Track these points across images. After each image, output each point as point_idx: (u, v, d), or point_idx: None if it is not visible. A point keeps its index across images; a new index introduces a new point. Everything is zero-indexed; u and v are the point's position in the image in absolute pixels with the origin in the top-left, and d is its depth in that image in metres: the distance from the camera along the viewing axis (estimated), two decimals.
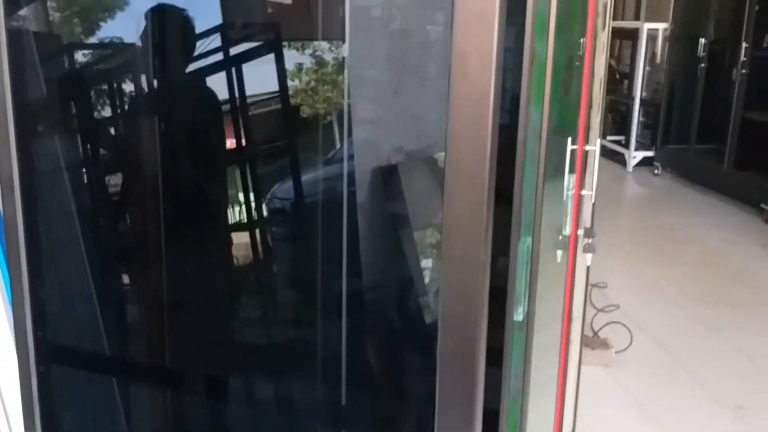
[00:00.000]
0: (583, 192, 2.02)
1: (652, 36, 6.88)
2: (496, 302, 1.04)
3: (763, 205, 5.29)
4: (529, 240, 1.32)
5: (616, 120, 7.60)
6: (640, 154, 6.95)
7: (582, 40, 1.67)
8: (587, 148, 1.95)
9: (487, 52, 0.86)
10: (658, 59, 6.91)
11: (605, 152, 7.52)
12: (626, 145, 7.07)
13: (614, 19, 7.26)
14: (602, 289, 4.19)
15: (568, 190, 1.80)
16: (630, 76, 7.12)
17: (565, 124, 1.64)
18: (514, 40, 1.13)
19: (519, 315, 1.20)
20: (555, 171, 1.59)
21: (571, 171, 1.86)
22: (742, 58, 5.52)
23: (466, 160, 0.88)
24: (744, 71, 5.54)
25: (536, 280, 1.28)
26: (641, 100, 7.02)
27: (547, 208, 1.39)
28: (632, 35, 7.01)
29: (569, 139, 1.87)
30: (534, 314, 1.31)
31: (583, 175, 1.99)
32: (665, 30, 6.74)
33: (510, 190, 1.17)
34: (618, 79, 7.57)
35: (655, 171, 6.78)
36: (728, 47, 5.79)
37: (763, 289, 4.19)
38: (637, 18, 7.63)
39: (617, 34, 7.38)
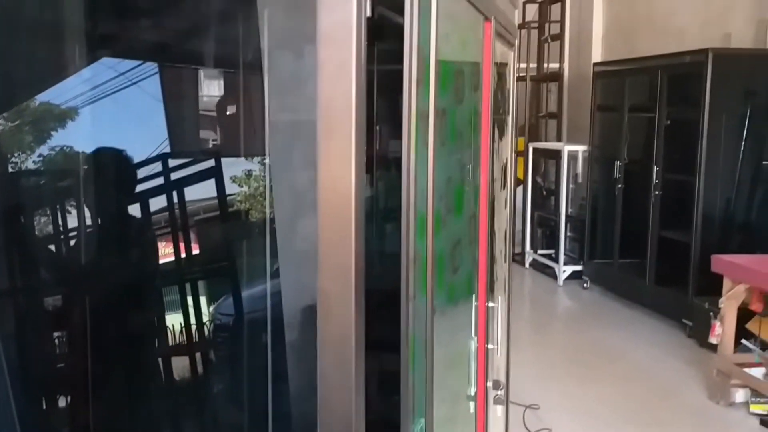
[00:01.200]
0: (489, 346, 2.09)
1: (573, 156, 7.28)
2: None
3: (684, 320, 5.48)
4: (422, 421, 1.36)
5: (546, 234, 7.89)
6: (570, 268, 7.18)
7: (475, 208, 1.79)
8: (490, 304, 2.05)
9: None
10: (580, 178, 7.29)
11: (537, 265, 7.75)
12: (556, 260, 7.31)
13: (538, 140, 7.64)
14: (535, 410, 4.22)
15: (471, 347, 1.87)
16: (556, 193, 7.46)
17: (459, 294, 1.73)
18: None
19: None
20: (451, 338, 1.66)
21: (475, 330, 1.94)
22: (655, 180, 5.88)
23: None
24: (657, 192, 5.90)
25: None
26: (568, 216, 7.33)
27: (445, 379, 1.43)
28: (555, 155, 7.41)
29: (473, 296, 1.96)
30: None
31: (488, 329, 2.07)
32: (584, 152, 7.15)
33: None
34: (545, 196, 7.93)
35: (585, 285, 7.00)
36: (641, 169, 6.17)
37: (686, 409, 4.29)
38: (559, 139, 8.10)
39: (542, 153, 7.81)
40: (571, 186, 7.38)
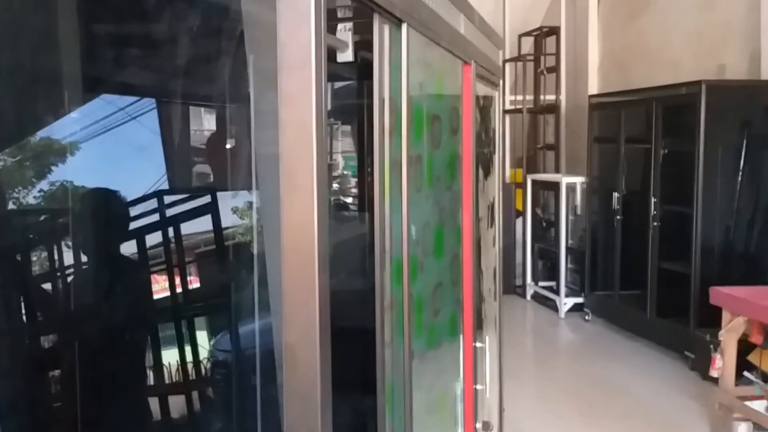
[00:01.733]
0: (478, 387, 2.07)
1: (572, 187, 7.29)
2: None
3: (686, 353, 5.43)
4: None
5: (547, 266, 7.86)
6: (571, 300, 7.14)
7: (456, 251, 1.79)
8: (477, 344, 2.04)
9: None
10: (579, 210, 7.29)
11: (538, 298, 7.71)
12: (557, 292, 7.27)
13: (537, 171, 7.64)
14: None
15: (457, 389, 1.86)
16: (555, 224, 7.46)
17: (441, 336, 1.72)
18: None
19: None
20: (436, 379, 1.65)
21: (462, 371, 1.92)
22: (653, 211, 5.88)
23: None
24: (656, 223, 5.89)
25: None
26: (568, 247, 7.31)
27: None
28: (554, 186, 7.42)
29: (458, 337, 1.95)
30: None
31: (476, 369, 2.06)
32: (583, 183, 7.17)
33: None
34: (545, 227, 7.92)
35: (586, 317, 6.95)
36: (640, 200, 6.17)
37: None
38: (557, 170, 8.12)
39: (541, 185, 7.82)
40: (570, 217, 7.38)
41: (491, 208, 2.39)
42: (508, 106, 8.49)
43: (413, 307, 1.36)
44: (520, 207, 7.96)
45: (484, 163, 2.23)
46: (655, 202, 5.87)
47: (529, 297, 7.85)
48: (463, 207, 1.86)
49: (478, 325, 2.14)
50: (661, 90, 5.86)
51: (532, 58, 8.21)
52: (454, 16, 1.68)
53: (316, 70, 0.88)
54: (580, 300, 7.09)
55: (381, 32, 1.20)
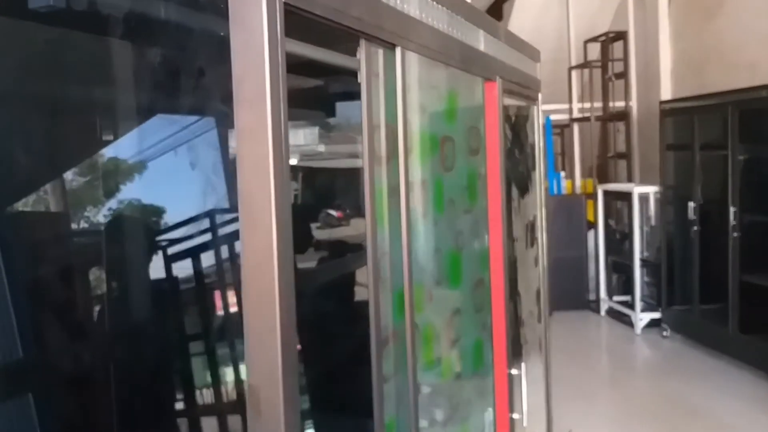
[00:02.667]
0: (514, 416, 1.98)
1: (644, 197, 7.00)
2: None
3: None
4: None
5: (621, 279, 7.56)
6: (647, 316, 6.82)
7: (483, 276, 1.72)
8: (513, 372, 1.95)
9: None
10: (653, 221, 6.97)
11: (613, 313, 7.41)
12: (632, 306, 6.97)
13: (608, 181, 7.40)
14: None
15: (486, 419, 1.78)
16: (629, 236, 7.16)
17: (461, 366, 1.65)
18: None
19: None
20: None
21: (492, 400, 1.84)
22: (732, 221, 5.55)
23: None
24: (735, 234, 5.55)
25: None
26: (643, 260, 7.01)
27: None
28: (626, 197, 7.14)
29: (485, 366, 1.87)
30: None
31: (511, 398, 1.97)
32: (656, 192, 6.86)
33: None
34: (619, 239, 7.62)
35: (664, 333, 6.62)
36: (717, 209, 5.84)
37: None
38: (630, 179, 7.82)
39: (612, 195, 7.54)
40: (645, 229, 7.07)
41: (531, 227, 2.29)
42: (576, 115, 8.26)
43: (419, 339, 1.31)
44: (591, 218, 7.70)
45: (520, 182, 2.15)
46: (734, 211, 5.54)
47: (603, 312, 7.56)
48: (490, 229, 1.79)
49: (516, 350, 2.05)
50: (738, 93, 5.55)
51: (599, 64, 7.96)
52: (469, 33, 1.62)
53: (272, 105, 0.85)
54: (657, 315, 6.76)
55: (369, 57, 1.17)
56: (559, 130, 8.74)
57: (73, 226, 2.04)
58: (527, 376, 2.15)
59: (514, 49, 2.07)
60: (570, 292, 7.63)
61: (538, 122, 2.41)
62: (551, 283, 7.94)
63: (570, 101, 8.26)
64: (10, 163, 1.72)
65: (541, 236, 2.40)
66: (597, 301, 7.63)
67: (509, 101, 2.07)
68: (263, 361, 0.86)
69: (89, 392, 2.08)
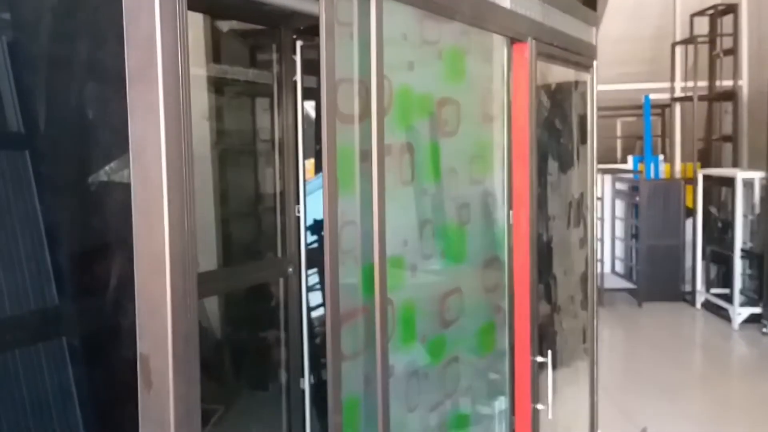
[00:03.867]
0: (538, 406, 1.83)
1: (749, 183, 6.44)
2: None
3: None
4: None
5: (721, 271, 7.02)
6: (746, 310, 6.31)
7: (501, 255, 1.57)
8: (538, 359, 1.79)
9: None
10: (757, 209, 6.41)
11: (710, 306, 6.91)
12: (731, 300, 6.47)
13: (712, 165, 6.85)
14: None
15: (496, 407, 1.64)
16: (731, 225, 6.63)
17: (460, 349, 1.51)
18: None
19: None
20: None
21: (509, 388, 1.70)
22: None
23: None
24: None
25: None
26: (746, 251, 6.47)
27: None
28: (730, 182, 6.60)
29: (495, 350, 1.72)
30: None
31: (535, 387, 1.81)
32: (762, 179, 6.30)
33: None
34: (720, 228, 7.07)
35: (764, 330, 6.10)
36: None
37: None
38: (736, 164, 7.22)
39: (714, 181, 7.00)
40: (750, 217, 6.52)
41: (576, 205, 2.09)
42: (678, 94, 7.71)
43: (394, 316, 1.19)
44: (690, 204, 7.19)
45: (562, 155, 1.96)
46: None
47: (698, 305, 7.06)
48: (514, 205, 1.63)
49: (547, 338, 1.89)
50: None
51: (706, 39, 7.37)
52: None
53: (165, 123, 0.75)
54: (757, 310, 6.24)
55: (329, 2, 1.05)
56: (660, 111, 8.20)
57: None
58: (565, 368, 1.98)
59: (556, 9, 1.88)
60: (664, 283, 7.20)
61: (592, 93, 2.19)
62: (643, 272, 7.48)
63: (672, 80, 7.71)
64: None
65: (592, 216, 2.20)
66: (692, 293, 7.14)
67: (554, 68, 1.89)
68: (153, 328, 0.79)
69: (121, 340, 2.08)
